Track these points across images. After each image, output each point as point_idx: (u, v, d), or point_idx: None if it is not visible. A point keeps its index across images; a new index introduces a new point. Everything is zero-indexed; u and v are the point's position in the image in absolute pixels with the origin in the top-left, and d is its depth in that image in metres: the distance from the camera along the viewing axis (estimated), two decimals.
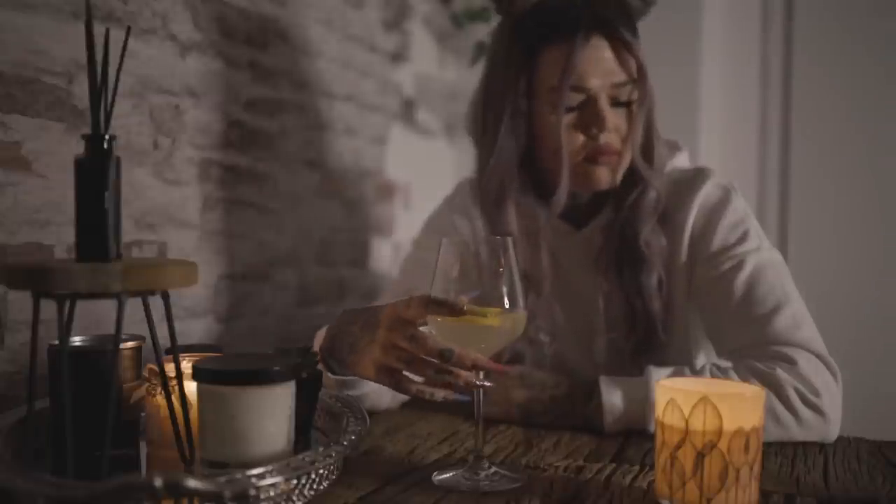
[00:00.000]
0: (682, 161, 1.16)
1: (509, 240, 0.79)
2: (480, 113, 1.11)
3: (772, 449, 0.89)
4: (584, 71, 1.01)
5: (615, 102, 1.04)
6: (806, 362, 0.94)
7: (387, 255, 1.73)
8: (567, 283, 1.16)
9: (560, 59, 1.02)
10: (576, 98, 1.03)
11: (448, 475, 0.79)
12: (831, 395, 0.93)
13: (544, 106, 1.04)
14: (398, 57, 1.74)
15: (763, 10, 2.11)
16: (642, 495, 0.74)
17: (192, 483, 0.52)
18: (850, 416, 0.96)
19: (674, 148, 1.17)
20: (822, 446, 0.92)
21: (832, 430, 0.93)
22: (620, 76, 1.03)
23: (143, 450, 0.81)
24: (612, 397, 0.96)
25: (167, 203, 1.12)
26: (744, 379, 0.94)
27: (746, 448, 0.67)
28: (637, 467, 0.83)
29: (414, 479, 0.79)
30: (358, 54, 1.58)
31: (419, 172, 1.81)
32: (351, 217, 1.59)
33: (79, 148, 0.69)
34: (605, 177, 1.06)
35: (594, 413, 0.97)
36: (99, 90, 0.67)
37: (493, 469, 0.79)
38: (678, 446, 0.68)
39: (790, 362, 0.94)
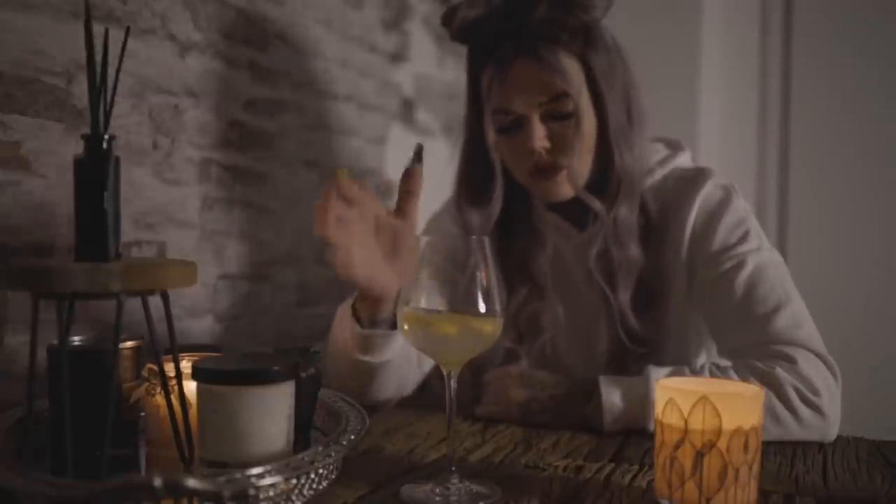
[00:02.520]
0: (683, 161, 1.16)
1: (486, 240, 0.73)
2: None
3: (771, 448, 0.89)
4: (507, 93, 1.04)
5: (554, 116, 1.04)
6: (805, 361, 0.94)
7: None
8: (570, 284, 1.17)
9: (488, 84, 1.06)
10: (507, 118, 1.06)
11: (418, 492, 0.74)
12: (831, 395, 0.93)
13: (487, 123, 1.08)
14: (398, 57, 1.74)
15: (762, 10, 2.11)
16: (641, 495, 0.75)
17: (192, 483, 0.52)
18: (849, 416, 0.96)
19: (676, 147, 1.17)
20: (821, 446, 0.92)
21: (831, 429, 0.93)
22: (542, 96, 1.03)
23: (143, 450, 0.81)
24: (612, 397, 0.96)
25: (167, 203, 1.12)
26: (743, 378, 0.94)
27: (745, 447, 0.67)
28: (636, 467, 0.83)
29: (413, 479, 0.79)
30: (357, 54, 1.58)
31: None
32: None
33: (78, 148, 0.69)
34: (553, 189, 1.08)
35: (594, 412, 0.97)
36: (98, 90, 0.67)
37: (465, 483, 0.74)
38: (677, 446, 0.68)
39: (790, 361, 0.94)
